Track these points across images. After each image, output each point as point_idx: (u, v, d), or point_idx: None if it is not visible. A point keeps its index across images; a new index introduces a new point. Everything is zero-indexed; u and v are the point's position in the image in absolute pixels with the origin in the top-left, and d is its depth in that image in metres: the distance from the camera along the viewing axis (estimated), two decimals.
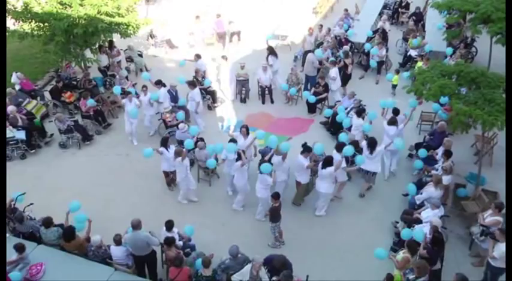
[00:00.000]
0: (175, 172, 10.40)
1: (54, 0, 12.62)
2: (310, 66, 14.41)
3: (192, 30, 17.23)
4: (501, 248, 7.63)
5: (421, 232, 8.17)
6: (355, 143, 10.27)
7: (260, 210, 10.10)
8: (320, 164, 9.72)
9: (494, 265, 7.91)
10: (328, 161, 9.62)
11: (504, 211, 8.52)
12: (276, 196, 9.05)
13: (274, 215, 9.18)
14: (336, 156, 9.82)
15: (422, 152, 10.38)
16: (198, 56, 14.39)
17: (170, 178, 10.88)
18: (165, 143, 10.32)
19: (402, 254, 7.89)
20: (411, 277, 7.57)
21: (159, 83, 12.54)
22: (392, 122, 10.89)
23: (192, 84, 12.71)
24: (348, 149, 9.55)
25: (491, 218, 8.48)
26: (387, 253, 8.31)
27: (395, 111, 11.18)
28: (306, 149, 10.00)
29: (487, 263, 8.16)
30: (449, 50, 13.91)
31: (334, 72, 13.66)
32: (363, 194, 10.84)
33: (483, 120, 8.87)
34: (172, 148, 10.30)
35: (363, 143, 10.43)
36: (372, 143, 10.19)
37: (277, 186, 10.01)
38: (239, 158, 9.96)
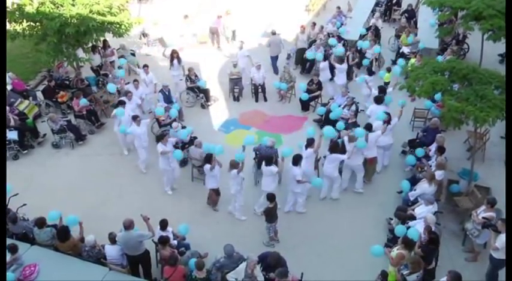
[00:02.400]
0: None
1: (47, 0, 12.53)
2: (276, 48, 15.58)
3: (182, 32, 17.05)
4: (502, 238, 7.66)
5: (416, 231, 8.19)
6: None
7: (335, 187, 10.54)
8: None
9: (496, 257, 7.92)
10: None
11: (503, 207, 8.58)
12: (271, 197, 9.06)
13: (270, 215, 9.17)
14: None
15: (420, 152, 10.46)
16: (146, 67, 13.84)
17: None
18: (209, 160, 9.76)
19: (397, 250, 7.91)
20: (405, 272, 7.60)
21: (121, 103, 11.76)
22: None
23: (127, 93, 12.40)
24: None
25: (484, 214, 8.50)
26: (383, 251, 8.31)
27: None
28: (370, 126, 10.53)
29: (490, 257, 8.14)
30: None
31: (323, 64, 14.01)
32: None
33: (475, 116, 8.91)
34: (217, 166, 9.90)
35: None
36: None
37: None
38: (309, 145, 9.96)
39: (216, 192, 10.23)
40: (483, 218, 8.39)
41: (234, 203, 10.10)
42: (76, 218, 8.73)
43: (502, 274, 8.06)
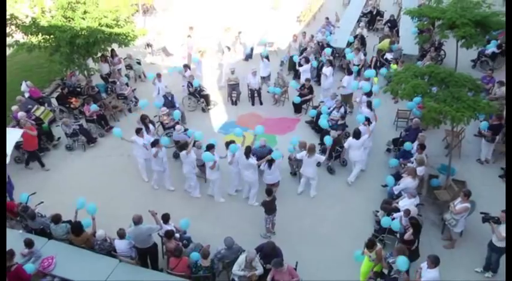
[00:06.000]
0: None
1: (59, 14, 12.55)
2: None
3: (183, 41, 16.83)
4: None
5: (398, 223, 8.36)
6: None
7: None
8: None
9: (501, 246, 7.98)
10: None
11: (477, 198, 8.65)
12: (268, 192, 9.11)
13: (269, 208, 9.20)
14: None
15: (408, 146, 10.56)
16: (158, 76, 13.64)
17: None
18: (271, 163, 9.87)
19: (371, 253, 7.83)
20: (391, 260, 7.65)
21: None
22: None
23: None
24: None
25: (460, 205, 8.60)
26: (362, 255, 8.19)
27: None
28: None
29: (491, 247, 8.22)
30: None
31: (328, 71, 13.89)
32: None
33: (452, 116, 8.99)
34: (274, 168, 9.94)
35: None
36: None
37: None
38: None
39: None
40: (481, 212, 8.37)
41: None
42: (94, 206, 8.79)
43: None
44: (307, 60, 14.49)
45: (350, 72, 13.70)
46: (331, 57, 14.60)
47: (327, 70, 13.85)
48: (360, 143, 10.59)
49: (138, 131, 10.71)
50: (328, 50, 14.97)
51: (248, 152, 9.88)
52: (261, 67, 14.61)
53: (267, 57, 14.72)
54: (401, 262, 7.19)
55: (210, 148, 10.11)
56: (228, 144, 10.16)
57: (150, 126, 11.46)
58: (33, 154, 11.62)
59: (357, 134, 10.57)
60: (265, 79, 14.73)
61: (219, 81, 15.45)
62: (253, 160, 9.91)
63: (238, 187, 10.79)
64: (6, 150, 10.25)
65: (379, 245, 7.81)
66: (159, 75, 13.48)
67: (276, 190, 10.24)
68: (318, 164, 10.74)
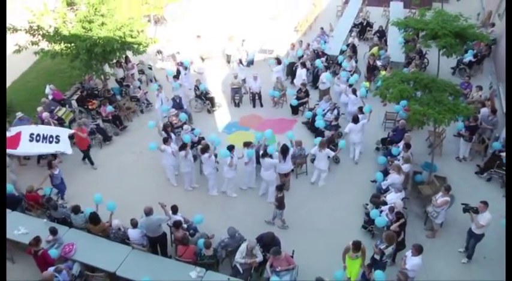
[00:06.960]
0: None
1: (79, 24, 12.63)
2: None
3: (191, 48, 16.64)
4: (486, 216, 7.99)
5: (383, 219, 8.44)
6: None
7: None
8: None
9: (478, 233, 8.21)
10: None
11: (456, 192, 8.70)
12: (279, 188, 9.18)
13: (281, 203, 9.25)
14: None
15: (395, 151, 10.63)
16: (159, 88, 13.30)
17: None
18: (285, 152, 10.02)
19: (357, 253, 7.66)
20: (383, 246, 7.72)
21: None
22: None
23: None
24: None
25: (441, 198, 8.69)
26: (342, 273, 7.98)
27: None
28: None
29: (470, 234, 8.41)
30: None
31: (303, 73, 14.37)
32: None
33: (434, 118, 9.03)
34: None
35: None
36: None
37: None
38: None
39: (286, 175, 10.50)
40: (462, 204, 8.47)
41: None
42: (113, 203, 8.86)
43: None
44: (279, 62, 14.82)
45: (327, 69, 14.35)
46: (316, 61, 14.93)
47: (302, 72, 14.25)
48: (359, 126, 11.02)
49: (166, 140, 10.44)
50: (299, 52, 15.35)
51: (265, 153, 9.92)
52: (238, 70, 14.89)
53: (241, 62, 15.21)
54: (378, 275, 7.18)
55: (231, 148, 10.07)
56: (246, 145, 10.20)
57: (172, 134, 11.30)
58: (86, 152, 11.66)
59: (355, 119, 11.03)
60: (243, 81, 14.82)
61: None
62: (275, 159, 9.92)
63: (250, 185, 10.79)
64: (66, 146, 10.78)
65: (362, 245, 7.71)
66: (159, 88, 13.22)
67: (289, 180, 10.51)
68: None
